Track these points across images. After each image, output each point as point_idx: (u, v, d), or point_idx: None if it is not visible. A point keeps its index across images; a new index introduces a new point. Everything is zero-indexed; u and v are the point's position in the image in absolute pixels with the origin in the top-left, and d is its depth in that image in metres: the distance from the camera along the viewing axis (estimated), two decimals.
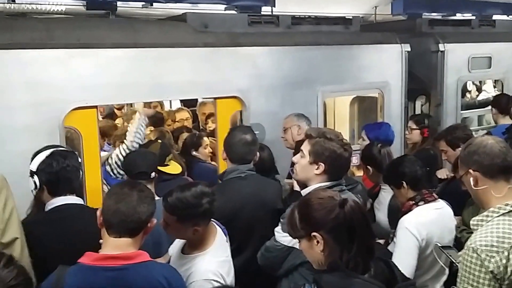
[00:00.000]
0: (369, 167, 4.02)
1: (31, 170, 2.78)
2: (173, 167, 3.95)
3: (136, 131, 4.08)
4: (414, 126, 5.11)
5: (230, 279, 2.66)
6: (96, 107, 4.10)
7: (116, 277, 2.20)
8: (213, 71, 4.56)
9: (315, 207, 2.09)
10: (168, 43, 4.37)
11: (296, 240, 2.76)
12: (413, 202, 3.27)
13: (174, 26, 4.62)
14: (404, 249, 3.10)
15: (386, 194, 3.79)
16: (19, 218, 2.50)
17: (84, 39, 4.03)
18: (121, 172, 3.93)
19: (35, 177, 2.76)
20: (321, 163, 2.82)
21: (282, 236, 2.91)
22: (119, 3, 4.66)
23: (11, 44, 3.75)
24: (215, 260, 2.58)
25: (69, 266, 2.23)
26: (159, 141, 4.18)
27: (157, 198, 3.13)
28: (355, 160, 5.13)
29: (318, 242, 2.06)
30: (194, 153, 4.75)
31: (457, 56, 6.20)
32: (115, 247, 2.25)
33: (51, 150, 2.83)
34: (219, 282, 2.51)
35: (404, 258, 3.04)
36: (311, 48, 5.14)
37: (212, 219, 2.79)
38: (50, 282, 2.23)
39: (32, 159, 2.84)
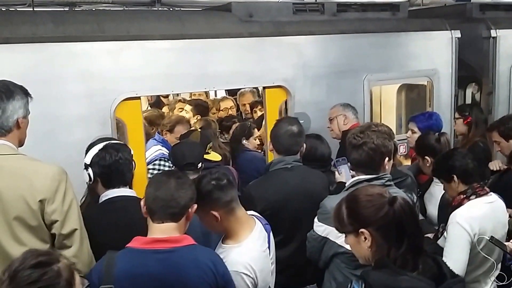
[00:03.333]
0: (427, 157, 3.90)
1: (85, 163, 2.86)
2: (213, 155, 4.02)
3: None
4: (457, 116, 4.97)
5: (264, 274, 2.64)
6: (139, 98, 4.19)
7: (165, 259, 2.28)
8: (258, 60, 4.56)
9: (364, 204, 2.09)
10: (213, 33, 4.39)
11: (329, 230, 2.80)
12: (464, 196, 3.18)
13: (219, 16, 4.64)
14: (455, 244, 3.03)
15: (438, 187, 3.71)
16: (79, 209, 2.56)
17: (134, 31, 4.10)
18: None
19: (89, 170, 2.83)
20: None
21: (317, 226, 2.95)
22: None
23: (64, 37, 3.86)
24: (248, 253, 2.58)
25: (117, 251, 2.31)
26: (199, 129, 4.23)
27: None
28: (402, 149, 5.07)
29: (365, 238, 2.06)
30: (244, 141, 4.81)
31: (510, 42, 5.92)
32: (160, 232, 2.33)
33: (104, 143, 2.91)
34: (248, 275, 2.51)
35: (455, 253, 2.99)
36: (357, 35, 5.05)
37: (253, 214, 2.80)
38: (99, 267, 2.32)
39: (86, 152, 2.92)
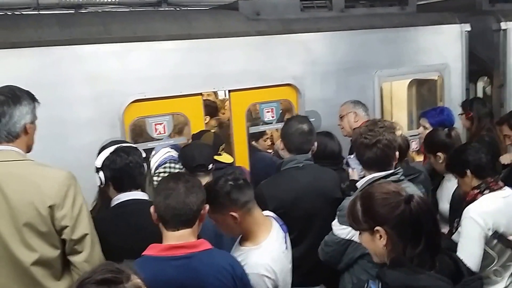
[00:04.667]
0: (439, 154, 3.83)
1: (96, 167, 2.82)
2: (225, 157, 4.00)
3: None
4: (460, 111, 4.91)
5: (283, 274, 2.62)
6: (201, 94, 4.31)
7: (183, 265, 2.25)
8: (267, 59, 4.54)
9: (379, 202, 2.04)
10: (221, 32, 4.38)
11: (354, 233, 2.76)
12: (478, 190, 3.15)
13: (226, 15, 4.63)
14: (469, 239, 3.00)
15: (450, 183, 3.66)
16: (89, 214, 2.54)
17: (140, 32, 4.09)
18: None
19: (101, 173, 2.80)
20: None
21: (339, 229, 2.90)
22: None
23: (70, 40, 3.85)
24: (268, 255, 2.55)
25: (133, 260, 2.26)
26: (212, 131, 4.22)
27: None
28: (414, 145, 5.02)
29: (381, 236, 2.03)
30: (253, 143, 4.83)
31: None
32: (176, 239, 2.30)
33: (115, 146, 2.86)
34: (269, 277, 2.49)
35: (469, 248, 2.96)
36: (366, 31, 5.02)
37: (269, 215, 2.77)
38: None
39: (98, 155, 2.89)
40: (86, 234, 2.44)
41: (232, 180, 2.54)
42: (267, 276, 2.47)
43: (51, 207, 2.36)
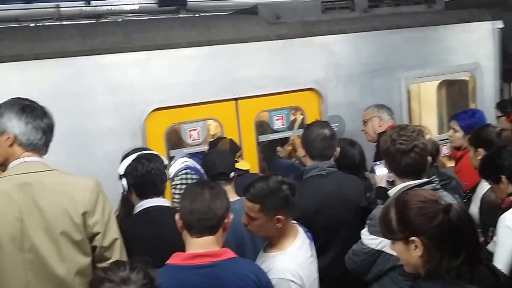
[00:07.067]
0: (480, 150, 3.67)
1: (119, 174, 2.90)
2: (242, 164, 3.96)
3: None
4: (499, 113, 4.71)
5: (310, 281, 2.59)
6: (236, 99, 4.31)
7: (207, 274, 2.24)
8: (288, 63, 4.49)
9: (416, 211, 1.92)
10: (241, 38, 4.34)
11: (385, 243, 2.62)
12: None
13: (246, 20, 4.59)
14: (506, 249, 2.86)
15: (486, 185, 3.48)
16: (116, 219, 2.59)
17: (160, 40, 4.09)
18: None
19: (123, 180, 2.87)
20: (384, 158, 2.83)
21: (369, 239, 2.79)
22: None
23: (92, 50, 3.89)
24: (294, 260, 2.53)
25: (157, 269, 2.22)
26: (228, 138, 4.17)
27: (237, 198, 3.09)
28: (445, 149, 4.84)
29: (416, 247, 1.90)
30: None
31: None
32: (199, 246, 2.29)
33: (137, 153, 2.93)
34: (296, 283, 2.45)
35: (507, 259, 2.81)
36: (391, 32, 4.92)
37: (294, 221, 2.72)
38: None
39: (121, 162, 2.96)
40: (116, 239, 2.49)
41: (287, 184, 2.57)
42: (293, 281, 2.44)
43: (83, 215, 2.41)
